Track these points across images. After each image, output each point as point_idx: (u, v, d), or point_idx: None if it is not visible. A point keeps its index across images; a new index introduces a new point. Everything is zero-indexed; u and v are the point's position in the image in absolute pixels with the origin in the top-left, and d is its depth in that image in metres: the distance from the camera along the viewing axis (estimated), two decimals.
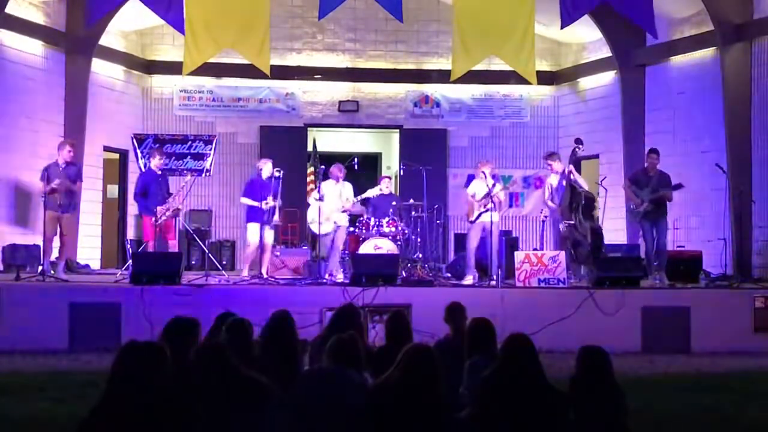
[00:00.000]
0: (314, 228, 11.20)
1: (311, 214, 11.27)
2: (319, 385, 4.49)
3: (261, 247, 11.00)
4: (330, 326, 6.00)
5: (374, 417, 4.23)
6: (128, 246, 13.88)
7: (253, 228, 11.05)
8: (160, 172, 11.35)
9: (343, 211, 11.36)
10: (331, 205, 11.17)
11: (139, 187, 11.33)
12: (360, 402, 4.32)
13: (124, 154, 15.22)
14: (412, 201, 12.25)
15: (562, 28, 10.95)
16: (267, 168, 11.19)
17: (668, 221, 11.35)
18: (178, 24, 10.60)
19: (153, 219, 10.83)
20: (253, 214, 11.07)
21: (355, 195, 11.54)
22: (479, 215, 10.99)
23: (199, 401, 4.03)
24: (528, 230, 15.87)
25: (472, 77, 13.41)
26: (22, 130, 12.93)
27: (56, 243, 10.85)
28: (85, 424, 3.79)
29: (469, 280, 10.97)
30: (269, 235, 11.14)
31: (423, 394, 4.20)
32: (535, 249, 12.26)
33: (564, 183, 11.06)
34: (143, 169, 13.81)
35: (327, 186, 11.35)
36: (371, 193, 11.70)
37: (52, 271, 10.54)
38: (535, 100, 16.47)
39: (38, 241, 11.37)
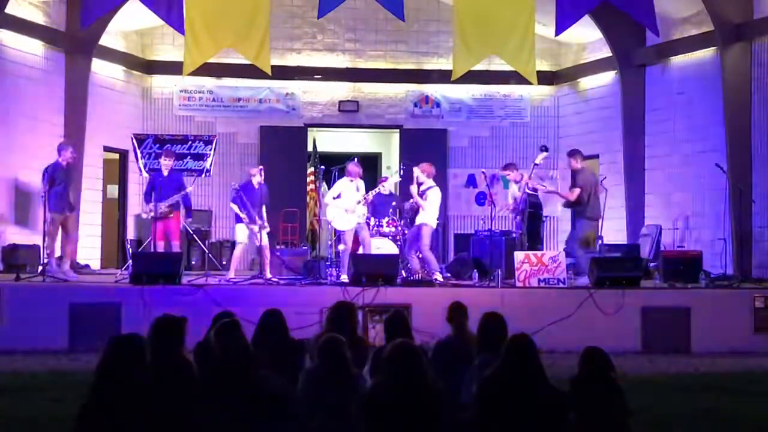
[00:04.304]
0: (337, 225, 11.21)
1: (331, 213, 11.27)
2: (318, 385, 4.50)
3: (258, 249, 11.07)
4: (326, 326, 6.00)
5: (372, 420, 4.22)
6: (128, 246, 13.89)
7: (241, 228, 11.30)
8: (166, 173, 11.44)
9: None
10: (351, 202, 11.18)
11: (147, 188, 11.56)
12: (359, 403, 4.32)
13: (124, 154, 15.21)
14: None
15: (556, 35, 10.98)
16: (257, 177, 11.41)
17: (582, 223, 11.00)
18: (178, 24, 10.61)
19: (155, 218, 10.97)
20: (240, 217, 11.30)
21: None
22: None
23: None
24: None
25: (472, 77, 13.40)
26: (22, 130, 12.91)
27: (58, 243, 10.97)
28: (83, 414, 3.85)
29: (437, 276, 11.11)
30: (263, 237, 11.20)
31: (409, 388, 4.19)
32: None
33: (525, 190, 11.30)
34: (143, 170, 13.90)
35: (343, 184, 11.34)
36: (387, 186, 11.80)
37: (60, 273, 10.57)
38: (536, 100, 16.46)
39: (38, 241, 11.38)
